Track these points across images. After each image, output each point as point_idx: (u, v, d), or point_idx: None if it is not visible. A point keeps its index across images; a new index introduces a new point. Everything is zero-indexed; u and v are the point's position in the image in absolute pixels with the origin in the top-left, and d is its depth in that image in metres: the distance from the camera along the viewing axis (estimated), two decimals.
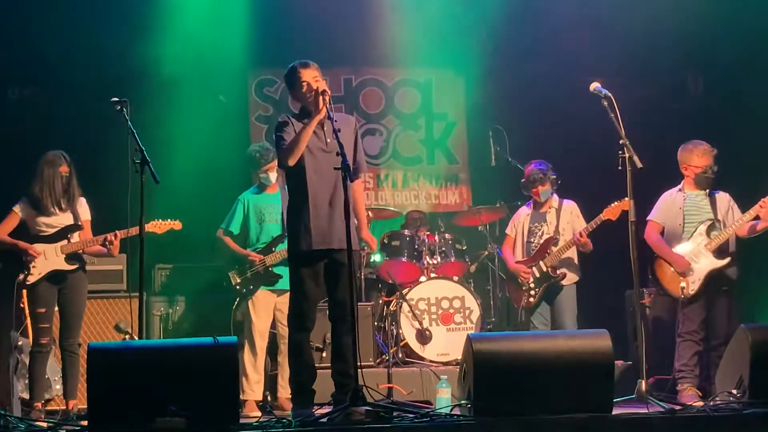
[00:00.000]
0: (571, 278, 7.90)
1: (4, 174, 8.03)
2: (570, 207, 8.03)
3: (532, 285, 7.91)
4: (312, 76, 6.05)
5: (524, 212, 8.16)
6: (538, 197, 8.00)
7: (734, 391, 6.09)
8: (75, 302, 7.24)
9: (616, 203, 7.56)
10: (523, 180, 8.07)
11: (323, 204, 6.00)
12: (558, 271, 7.84)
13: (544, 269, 7.86)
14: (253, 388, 7.37)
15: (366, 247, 7.54)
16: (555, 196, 8.06)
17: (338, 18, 9.64)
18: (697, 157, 7.31)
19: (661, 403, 5.98)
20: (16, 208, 7.21)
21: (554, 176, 7.99)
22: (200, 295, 8.55)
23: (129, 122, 6.20)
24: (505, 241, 8.28)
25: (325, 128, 6.07)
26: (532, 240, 8.04)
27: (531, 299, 7.91)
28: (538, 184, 7.95)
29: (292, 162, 5.97)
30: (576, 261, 7.93)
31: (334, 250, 6.01)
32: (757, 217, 7.09)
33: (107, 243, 7.20)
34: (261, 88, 10.20)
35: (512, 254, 8.15)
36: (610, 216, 7.61)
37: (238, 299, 7.66)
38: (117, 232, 7.18)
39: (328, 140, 6.03)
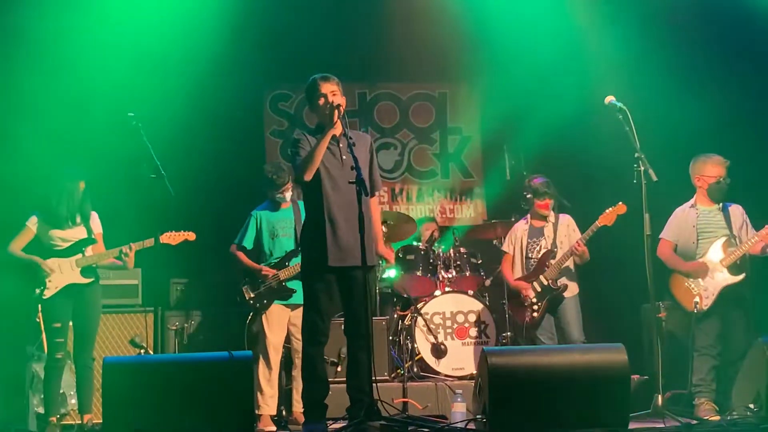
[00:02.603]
0: (572, 289, 7.82)
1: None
2: (566, 221, 7.97)
3: (534, 300, 7.82)
4: (330, 90, 6.04)
5: (521, 227, 8.06)
6: (546, 210, 7.94)
7: (751, 406, 6.07)
8: (90, 316, 7.25)
9: (610, 209, 7.51)
10: (528, 194, 7.97)
11: (340, 220, 5.97)
12: (559, 282, 7.78)
13: (545, 283, 7.78)
14: (267, 403, 7.33)
15: (382, 262, 7.51)
16: (551, 210, 8.02)
17: (352, 33, 9.67)
18: (710, 166, 7.31)
19: (677, 418, 5.96)
20: (30, 223, 7.22)
21: (555, 192, 7.97)
22: (215, 309, 8.54)
23: (144, 136, 6.23)
24: (504, 258, 8.15)
25: (341, 145, 6.05)
26: (530, 255, 7.96)
27: (535, 314, 7.81)
28: (547, 197, 7.91)
29: (308, 177, 5.95)
30: (575, 272, 7.87)
31: (349, 267, 5.98)
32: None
33: (122, 255, 7.23)
34: (275, 103, 10.22)
35: (512, 271, 8.08)
36: (606, 222, 7.54)
37: (252, 314, 7.65)
38: (132, 244, 7.21)
39: (344, 157, 6.01)
